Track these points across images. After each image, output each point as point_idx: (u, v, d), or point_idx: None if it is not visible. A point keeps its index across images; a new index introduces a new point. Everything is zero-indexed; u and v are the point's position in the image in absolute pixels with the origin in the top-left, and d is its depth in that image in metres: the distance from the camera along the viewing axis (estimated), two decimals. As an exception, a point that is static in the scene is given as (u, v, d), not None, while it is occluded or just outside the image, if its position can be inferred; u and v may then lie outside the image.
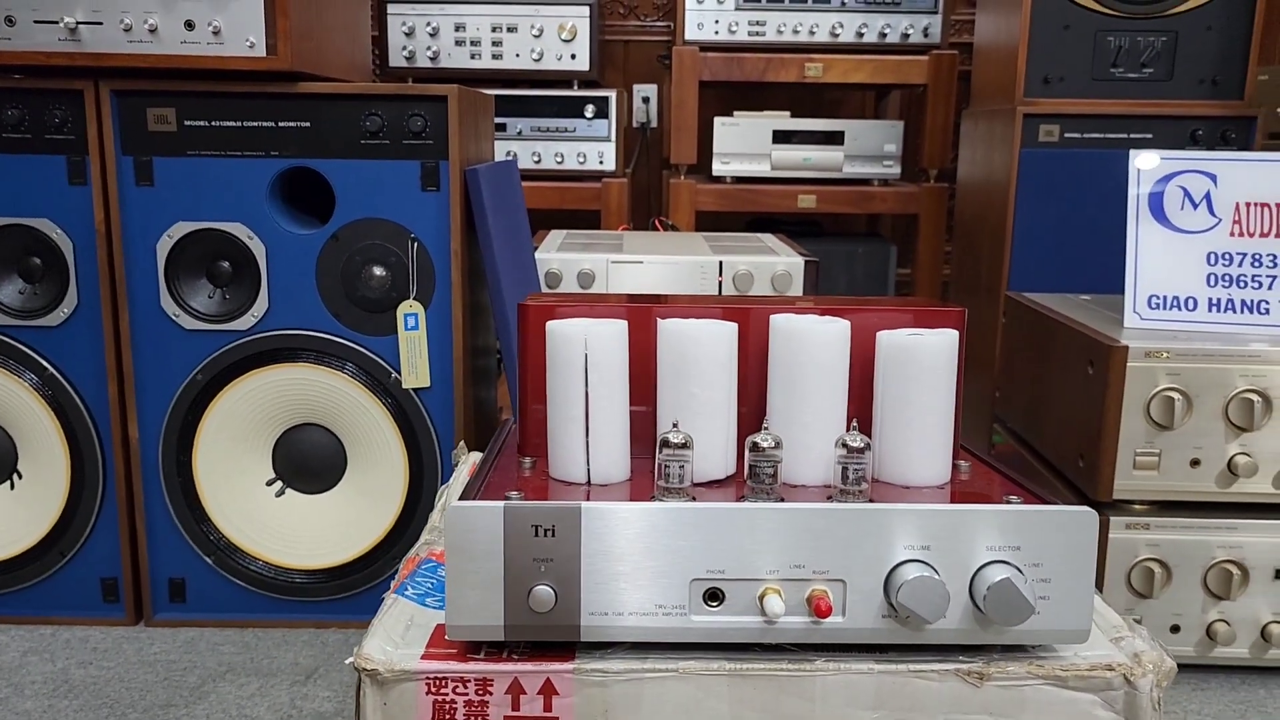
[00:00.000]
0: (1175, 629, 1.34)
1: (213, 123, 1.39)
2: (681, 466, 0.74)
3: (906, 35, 2.51)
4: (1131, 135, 1.96)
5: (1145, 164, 1.40)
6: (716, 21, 2.52)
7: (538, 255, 1.80)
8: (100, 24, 1.32)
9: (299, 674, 1.36)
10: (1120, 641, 0.75)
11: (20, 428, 1.46)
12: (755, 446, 0.75)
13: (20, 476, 1.48)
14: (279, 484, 1.49)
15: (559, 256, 1.82)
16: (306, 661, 1.40)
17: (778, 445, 0.75)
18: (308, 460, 1.48)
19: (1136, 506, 1.33)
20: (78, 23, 1.31)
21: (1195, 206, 1.40)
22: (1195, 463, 1.30)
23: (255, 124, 1.39)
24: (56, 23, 1.31)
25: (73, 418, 1.44)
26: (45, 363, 1.43)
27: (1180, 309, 1.38)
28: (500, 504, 0.70)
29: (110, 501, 1.47)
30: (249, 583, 1.48)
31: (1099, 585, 1.33)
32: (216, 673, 1.36)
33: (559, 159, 2.56)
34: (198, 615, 1.49)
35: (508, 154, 2.54)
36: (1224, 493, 1.31)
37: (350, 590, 1.48)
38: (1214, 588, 1.33)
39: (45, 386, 1.44)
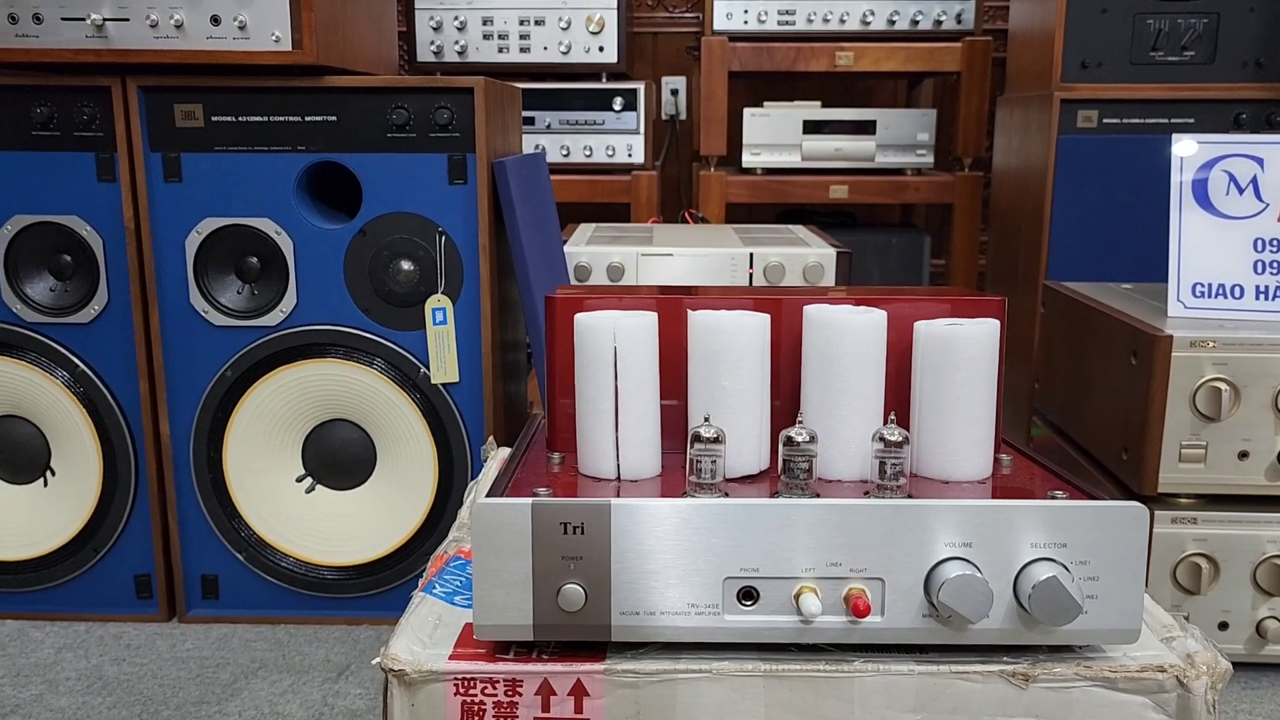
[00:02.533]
0: (1224, 626, 1.30)
1: (240, 118, 1.38)
2: (714, 461, 0.72)
3: (939, 22, 2.47)
4: (1173, 120, 1.91)
5: (1188, 149, 1.36)
6: (745, 11, 2.49)
7: (567, 248, 1.78)
8: (127, 20, 1.31)
9: (331, 671, 1.36)
10: (1172, 642, 0.73)
11: (53, 425, 1.46)
12: (790, 441, 0.73)
13: (53, 474, 1.48)
14: (309, 480, 1.48)
15: (588, 249, 1.80)
16: (338, 658, 1.39)
17: (812, 439, 0.73)
18: (337, 456, 1.47)
19: (1183, 500, 1.29)
20: (104, 19, 1.31)
21: (1241, 192, 1.36)
22: (1244, 455, 1.26)
23: (282, 119, 1.38)
24: (83, 19, 1.31)
25: (104, 415, 1.45)
26: (77, 360, 1.43)
27: (1226, 297, 1.34)
28: (528, 501, 0.69)
29: (142, 498, 1.47)
30: (280, 579, 1.48)
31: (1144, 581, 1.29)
32: (249, 669, 1.36)
33: (588, 152, 2.55)
34: (230, 612, 1.49)
35: (536, 147, 2.52)
36: (1274, 486, 1.27)
37: (381, 587, 1.47)
38: (1264, 584, 1.29)
39: (77, 384, 1.44)
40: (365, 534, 1.47)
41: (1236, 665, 1.32)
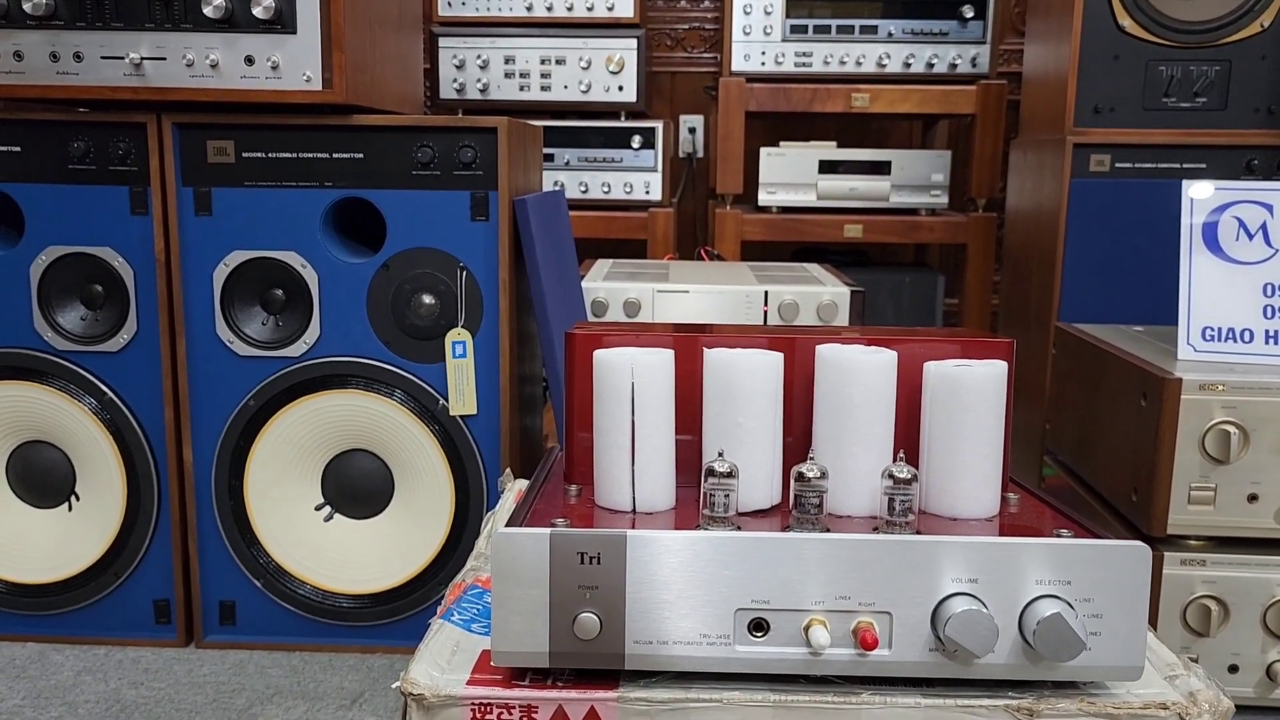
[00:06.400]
0: (1234, 669, 1.31)
1: (269, 154, 1.42)
2: (726, 495, 0.75)
3: (954, 65, 2.51)
4: (1184, 165, 1.94)
5: (1199, 194, 1.38)
6: (763, 53, 2.53)
7: (584, 284, 1.81)
8: (164, 59, 1.36)
9: (345, 698, 1.37)
10: (1175, 680, 0.74)
11: (79, 451, 1.49)
12: (801, 476, 0.75)
13: (78, 499, 1.51)
14: (328, 509, 1.51)
15: (605, 285, 1.83)
16: (352, 686, 1.41)
17: (823, 475, 0.75)
18: (356, 486, 1.50)
19: (1192, 542, 1.30)
20: (142, 58, 1.35)
21: (1251, 237, 1.37)
22: (1253, 498, 1.27)
23: (310, 155, 1.42)
24: (122, 58, 1.36)
25: (130, 441, 1.48)
26: (105, 387, 1.47)
27: (1236, 341, 1.36)
28: (547, 531, 0.71)
29: (164, 524, 1.50)
30: (297, 606, 1.50)
31: (1153, 622, 1.30)
32: (264, 695, 1.38)
33: (606, 189, 2.59)
34: (247, 638, 1.51)
35: (555, 184, 2.57)
36: (1283, 529, 1.28)
37: (396, 615, 1.49)
38: (1274, 627, 1.29)
39: (104, 410, 1.47)
40: (382, 563, 1.49)
41: (1246, 709, 1.33)
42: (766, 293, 1.81)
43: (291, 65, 1.35)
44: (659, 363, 0.80)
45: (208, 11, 1.33)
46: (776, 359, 0.81)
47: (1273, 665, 1.30)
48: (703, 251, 2.55)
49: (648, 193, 2.58)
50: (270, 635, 1.51)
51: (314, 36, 1.34)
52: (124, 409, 1.47)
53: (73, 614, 1.52)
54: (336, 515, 1.51)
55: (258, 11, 1.32)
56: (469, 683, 0.73)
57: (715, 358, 0.81)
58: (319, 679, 1.42)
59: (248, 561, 1.49)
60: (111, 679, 1.42)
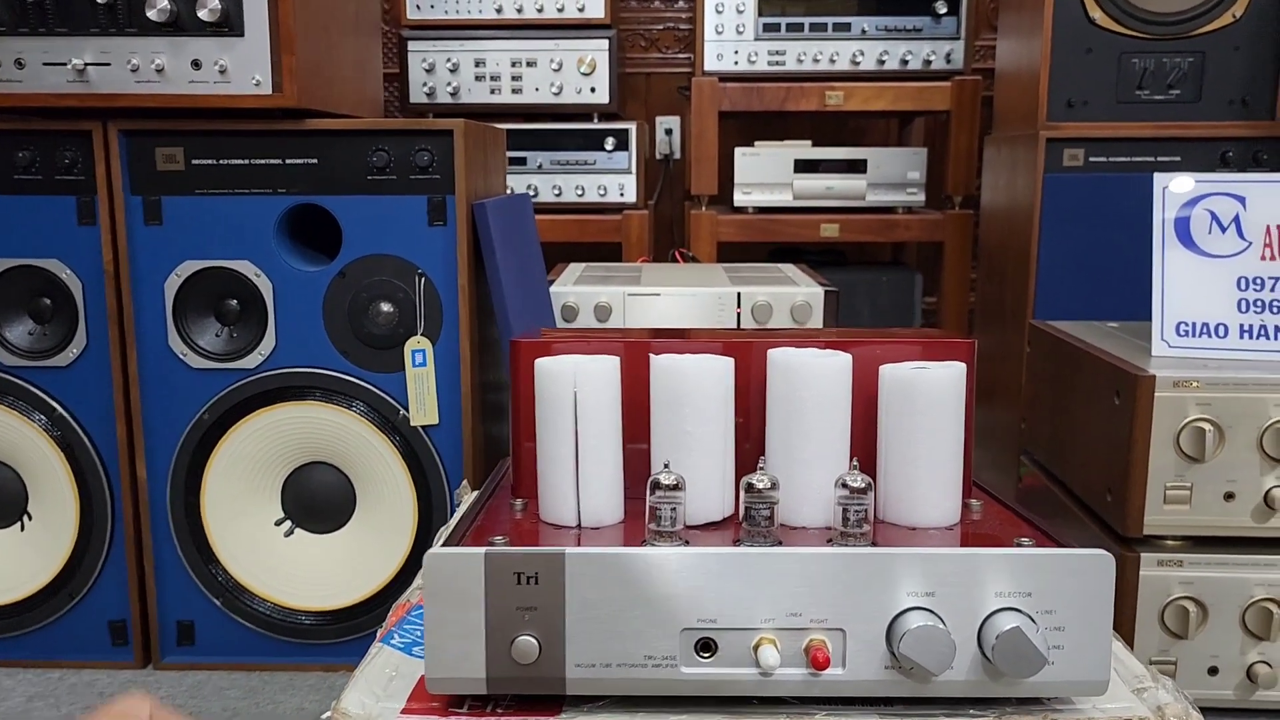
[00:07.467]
0: (1213, 671, 1.28)
1: (220, 161, 1.38)
2: (673, 509, 0.71)
3: (928, 62, 2.48)
4: (1159, 159, 1.91)
5: (1172, 187, 1.35)
6: (736, 52, 2.50)
7: (554, 289, 1.78)
8: (108, 65, 1.32)
9: (305, 719, 1.34)
10: (1143, 693, 0.71)
11: (30, 469, 1.45)
12: (750, 487, 0.71)
13: (30, 518, 1.47)
14: (288, 524, 1.47)
15: (575, 290, 1.80)
16: (312, 706, 1.37)
17: (774, 486, 0.71)
18: (317, 499, 1.46)
19: (1168, 542, 1.27)
20: (86, 64, 1.32)
21: (1224, 230, 1.35)
22: (1229, 496, 1.24)
23: (262, 161, 1.38)
24: (65, 64, 1.32)
25: (82, 459, 1.43)
26: (55, 403, 1.42)
27: (1210, 336, 1.33)
28: (481, 550, 0.68)
29: (119, 543, 1.45)
30: (257, 624, 1.46)
31: (1130, 625, 1.27)
32: (222, 718, 1.34)
33: (579, 192, 2.55)
34: (206, 658, 1.47)
35: (528, 188, 2.53)
36: (1261, 528, 1.25)
37: (358, 633, 1.45)
38: (1253, 627, 1.26)
39: (55, 427, 1.43)
40: (344, 578, 1.45)
41: (1227, 712, 1.30)
42: (739, 294, 1.78)
43: (240, 69, 1.31)
44: (602, 371, 0.77)
45: (152, 15, 1.29)
46: (726, 364, 0.78)
47: (1253, 667, 1.27)
48: (677, 254, 2.52)
49: (622, 195, 2.55)
50: (230, 655, 1.47)
51: (263, 39, 1.31)
52: (75, 425, 1.43)
53: (25, 637, 1.48)
54: (297, 530, 1.47)
55: (203, 14, 1.29)
56: (404, 710, 0.69)
57: (661, 364, 0.78)
58: (278, 699, 1.39)
59: (206, 580, 1.45)
60: (64, 704, 1.38)
